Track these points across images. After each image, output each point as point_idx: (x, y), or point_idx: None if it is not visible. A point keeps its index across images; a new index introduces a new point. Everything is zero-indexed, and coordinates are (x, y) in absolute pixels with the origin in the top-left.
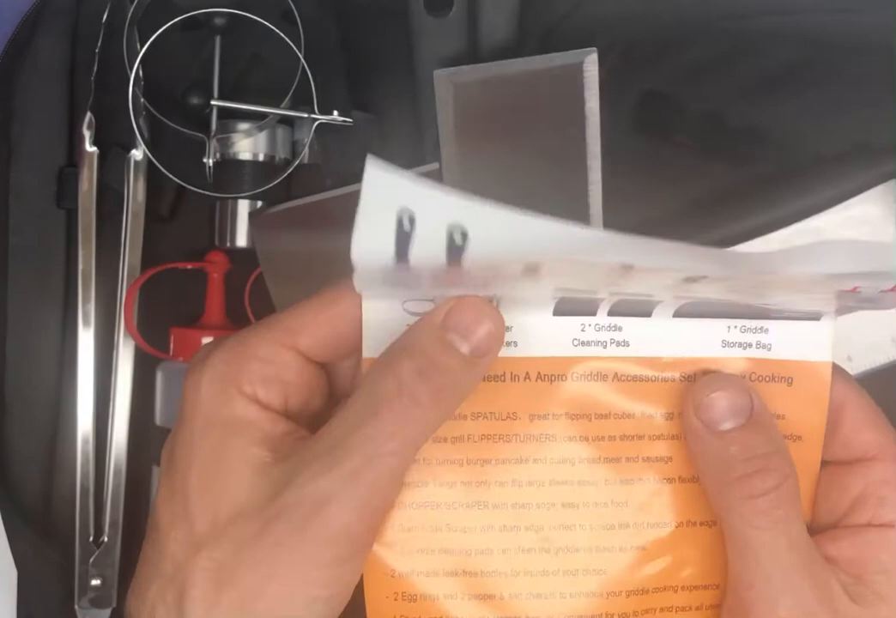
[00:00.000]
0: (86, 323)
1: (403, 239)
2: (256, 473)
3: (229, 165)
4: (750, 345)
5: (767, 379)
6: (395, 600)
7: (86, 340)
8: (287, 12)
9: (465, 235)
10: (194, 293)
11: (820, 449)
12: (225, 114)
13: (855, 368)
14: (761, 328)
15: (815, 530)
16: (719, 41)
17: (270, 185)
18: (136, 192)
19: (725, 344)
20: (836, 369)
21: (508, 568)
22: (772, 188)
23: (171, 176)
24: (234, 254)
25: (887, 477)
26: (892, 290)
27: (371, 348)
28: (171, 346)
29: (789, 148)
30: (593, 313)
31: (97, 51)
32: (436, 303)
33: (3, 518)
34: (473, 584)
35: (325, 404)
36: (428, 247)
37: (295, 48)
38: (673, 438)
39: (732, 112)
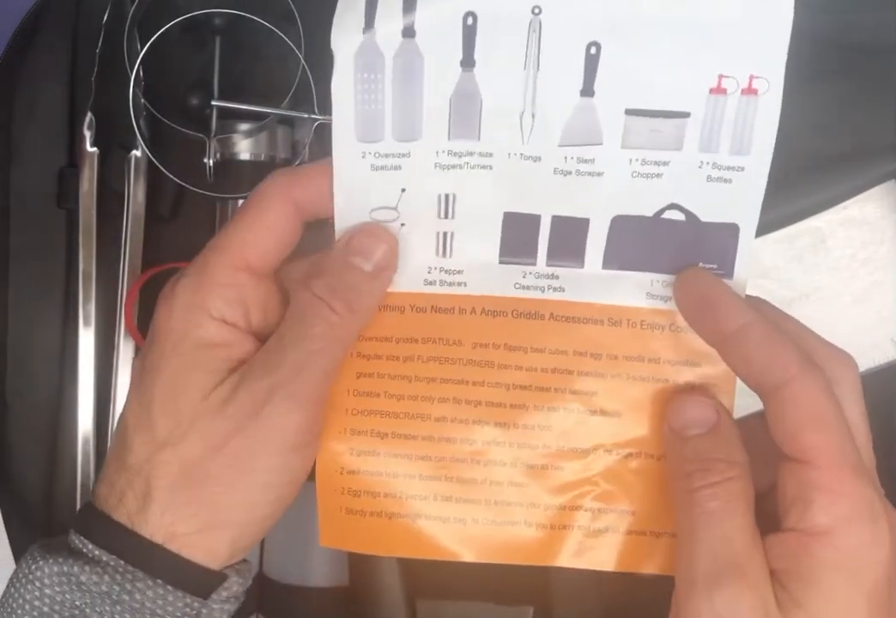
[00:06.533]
0: (86, 323)
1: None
2: (218, 382)
3: (229, 165)
4: (671, 298)
5: (688, 329)
6: (342, 494)
7: (86, 340)
8: (287, 12)
9: None
10: None
11: (734, 389)
12: (225, 114)
13: None
14: None
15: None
16: None
17: None
18: (136, 192)
19: (650, 296)
20: (798, 355)
21: (442, 474)
22: (772, 188)
23: (171, 176)
24: None
25: (818, 483)
26: (749, 90)
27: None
28: None
29: (789, 148)
30: (533, 263)
31: (97, 51)
32: (399, 211)
33: (3, 518)
34: (410, 486)
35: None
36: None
37: (295, 48)
38: (598, 376)
39: None
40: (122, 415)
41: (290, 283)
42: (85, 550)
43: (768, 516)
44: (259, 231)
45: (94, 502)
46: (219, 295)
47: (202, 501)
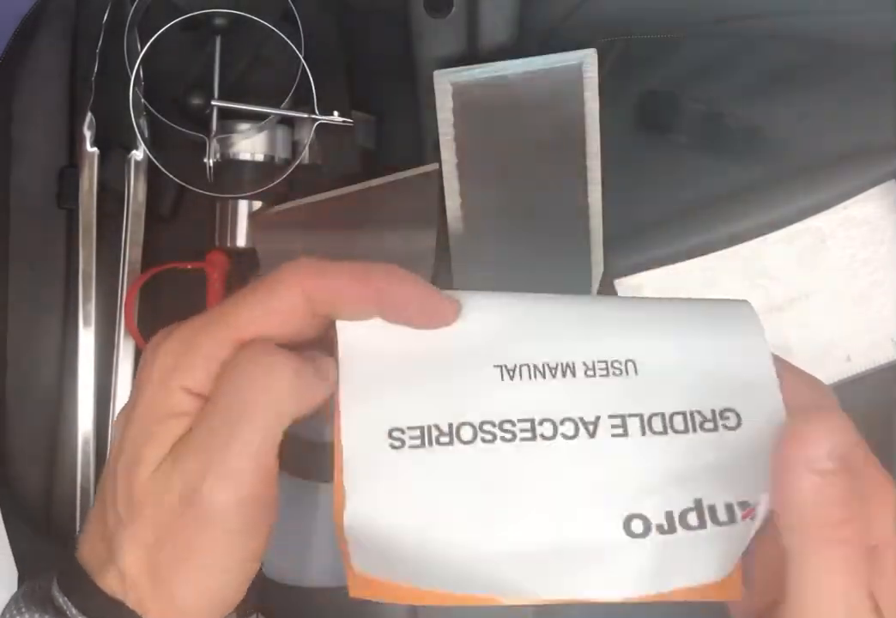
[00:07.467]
0: (86, 323)
1: None
2: (167, 456)
3: (229, 165)
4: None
5: None
6: None
7: (86, 340)
8: (287, 12)
9: None
10: (194, 293)
11: None
12: (225, 114)
13: (855, 368)
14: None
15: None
16: (719, 41)
17: (270, 185)
18: (136, 192)
19: None
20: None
21: None
22: (772, 188)
23: (171, 176)
24: (234, 254)
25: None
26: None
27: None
28: None
29: (789, 148)
30: None
31: (98, 51)
32: None
33: (3, 518)
34: None
35: None
36: None
37: (295, 48)
38: None
39: (732, 112)
40: (104, 472)
41: None
42: (69, 613)
43: None
44: (258, 311)
45: (78, 557)
46: (200, 367)
47: (161, 584)
